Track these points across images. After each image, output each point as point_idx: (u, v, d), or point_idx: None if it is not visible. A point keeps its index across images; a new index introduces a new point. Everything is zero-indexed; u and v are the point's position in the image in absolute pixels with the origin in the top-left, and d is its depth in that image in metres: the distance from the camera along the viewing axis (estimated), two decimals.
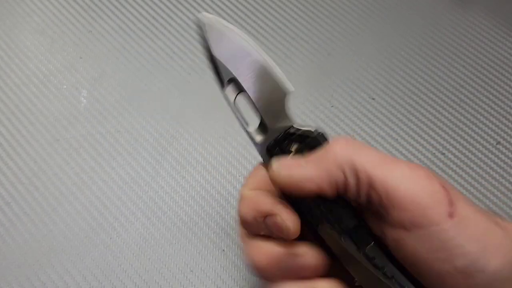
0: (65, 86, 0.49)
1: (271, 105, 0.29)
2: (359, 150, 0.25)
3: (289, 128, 0.28)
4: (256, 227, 0.28)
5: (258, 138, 0.29)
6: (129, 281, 0.40)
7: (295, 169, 0.26)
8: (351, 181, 0.25)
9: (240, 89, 0.29)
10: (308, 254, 0.27)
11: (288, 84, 0.29)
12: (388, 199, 0.24)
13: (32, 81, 0.50)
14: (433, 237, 0.24)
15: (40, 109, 0.48)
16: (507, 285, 0.24)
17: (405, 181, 0.24)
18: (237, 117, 0.30)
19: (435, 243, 0.24)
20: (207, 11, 0.54)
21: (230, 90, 0.30)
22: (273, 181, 0.27)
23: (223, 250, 0.41)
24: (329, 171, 0.25)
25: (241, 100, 0.29)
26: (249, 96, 0.29)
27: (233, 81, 0.29)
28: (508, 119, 0.46)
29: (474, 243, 0.24)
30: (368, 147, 0.26)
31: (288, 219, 0.26)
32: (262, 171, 0.29)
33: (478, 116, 0.47)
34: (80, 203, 0.43)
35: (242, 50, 0.29)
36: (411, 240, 0.24)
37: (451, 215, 0.24)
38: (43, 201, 0.43)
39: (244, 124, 0.29)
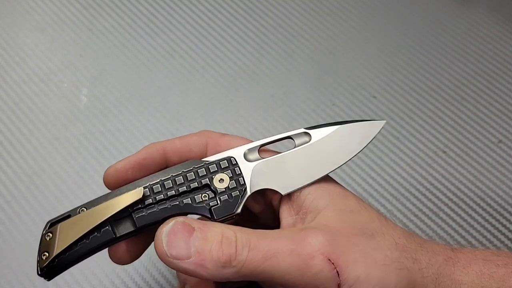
0: (65, 84, 0.49)
1: None
2: (242, 251, 0.25)
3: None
4: None
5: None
6: (130, 281, 0.40)
7: (183, 258, 0.26)
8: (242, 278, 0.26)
9: None
10: None
11: None
12: (280, 285, 0.26)
13: (32, 79, 0.49)
14: None
15: (41, 107, 0.48)
16: None
17: (290, 273, 0.25)
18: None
19: None
20: (207, 9, 0.54)
21: None
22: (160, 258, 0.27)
23: None
24: (214, 273, 0.25)
25: None
26: None
27: None
28: (510, 118, 0.46)
29: None
30: (247, 240, 0.26)
31: None
32: None
33: (480, 114, 0.46)
34: (80, 202, 0.43)
35: None
36: None
37: (339, 286, 0.25)
38: (44, 200, 0.43)
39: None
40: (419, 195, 0.43)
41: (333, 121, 0.46)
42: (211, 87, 0.49)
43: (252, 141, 0.29)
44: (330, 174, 0.29)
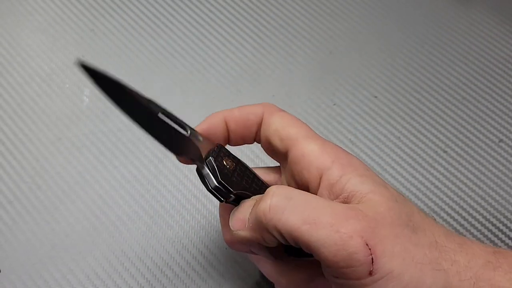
0: (67, 85, 0.49)
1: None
2: (284, 212, 0.26)
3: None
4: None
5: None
6: (132, 280, 0.40)
7: (242, 230, 0.29)
8: (284, 241, 0.27)
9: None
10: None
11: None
12: (315, 255, 0.26)
13: (34, 79, 0.50)
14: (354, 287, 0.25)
15: (43, 108, 0.48)
16: None
17: (325, 244, 0.25)
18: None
19: None
20: (209, 10, 0.54)
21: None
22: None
23: (226, 248, 0.41)
24: (263, 235, 0.28)
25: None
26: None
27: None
28: (510, 117, 0.46)
29: None
30: (294, 204, 0.26)
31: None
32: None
33: (481, 114, 0.46)
34: (82, 202, 0.43)
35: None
36: (337, 284, 0.26)
37: (371, 272, 0.24)
38: (46, 200, 0.43)
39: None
40: (420, 194, 0.43)
41: (333, 121, 0.46)
42: (213, 87, 0.49)
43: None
44: None
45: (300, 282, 0.31)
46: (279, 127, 0.30)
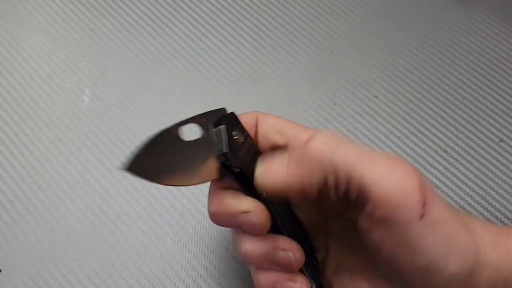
0: (67, 85, 0.49)
1: None
2: (339, 147, 0.26)
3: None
4: (228, 225, 0.30)
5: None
6: (133, 280, 0.40)
7: (280, 174, 0.27)
8: (331, 180, 0.26)
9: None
10: (291, 246, 0.29)
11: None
12: (364, 196, 0.25)
13: (35, 79, 0.50)
14: (400, 233, 0.25)
15: (43, 107, 0.48)
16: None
17: (382, 180, 0.25)
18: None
19: (401, 239, 0.25)
20: (209, 9, 0.54)
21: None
22: (259, 187, 0.28)
23: (226, 248, 0.41)
24: (311, 173, 0.26)
25: None
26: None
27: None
28: (511, 117, 0.46)
29: (438, 246, 0.25)
30: (347, 142, 0.27)
31: (260, 218, 0.28)
32: None
33: (481, 113, 0.46)
34: (82, 201, 0.43)
35: None
36: (379, 231, 0.25)
37: (421, 216, 0.24)
38: (46, 199, 0.43)
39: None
40: None
41: (334, 121, 0.46)
42: (213, 87, 0.49)
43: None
44: None
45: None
46: (277, 121, 0.31)
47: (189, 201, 0.43)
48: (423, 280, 0.25)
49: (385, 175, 0.25)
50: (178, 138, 0.29)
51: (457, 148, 0.45)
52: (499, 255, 0.26)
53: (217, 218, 0.30)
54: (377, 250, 0.26)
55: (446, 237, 0.25)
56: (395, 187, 0.25)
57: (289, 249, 0.29)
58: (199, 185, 0.44)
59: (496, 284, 0.26)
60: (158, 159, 0.28)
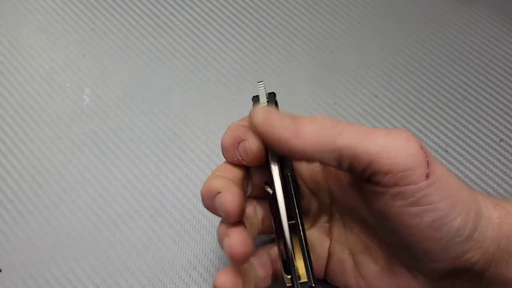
0: (67, 84, 0.49)
1: None
2: (343, 130, 0.27)
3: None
4: (232, 154, 0.31)
5: None
6: (133, 279, 0.40)
7: (278, 124, 0.28)
8: (332, 161, 0.28)
9: None
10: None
11: None
12: (371, 167, 0.26)
13: (35, 79, 0.50)
14: (408, 194, 0.26)
15: (43, 107, 0.48)
16: (465, 242, 0.27)
17: (386, 149, 0.26)
18: None
19: (410, 199, 0.26)
20: (210, 9, 0.54)
21: None
22: (252, 122, 0.30)
23: None
24: (322, 150, 0.27)
25: None
26: None
27: None
28: (511, 117, 0.46)
29: (445, 200, 0.26)
30: (349, 125, 0.28)
31: (253, 144, 0.30)
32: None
33: (481, 113, 0.46)
34: (83, 201, 0.43)
35: None
36: (387, 195, 0.27)
37: (427, 175, 0.26)
38: (46, 199, 0.43)
39: None
40: None
41: None
42: (213, 87, 0.49)
43: None
44: None
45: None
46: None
47: (190, 201, 0.43)
48: (431, 235, 0.27)
49: (387, 144, 0.26)
50: None
51: (457, 148, 0.45)
52: (500, 213, 0.28)
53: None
54: (385, 213, 0.27)
55: (451, 193, 0.27)
56: (399, 152, 0.26)
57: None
58: (199, 185, 0.44)
59: (500, 242, 0.28)
60: None
